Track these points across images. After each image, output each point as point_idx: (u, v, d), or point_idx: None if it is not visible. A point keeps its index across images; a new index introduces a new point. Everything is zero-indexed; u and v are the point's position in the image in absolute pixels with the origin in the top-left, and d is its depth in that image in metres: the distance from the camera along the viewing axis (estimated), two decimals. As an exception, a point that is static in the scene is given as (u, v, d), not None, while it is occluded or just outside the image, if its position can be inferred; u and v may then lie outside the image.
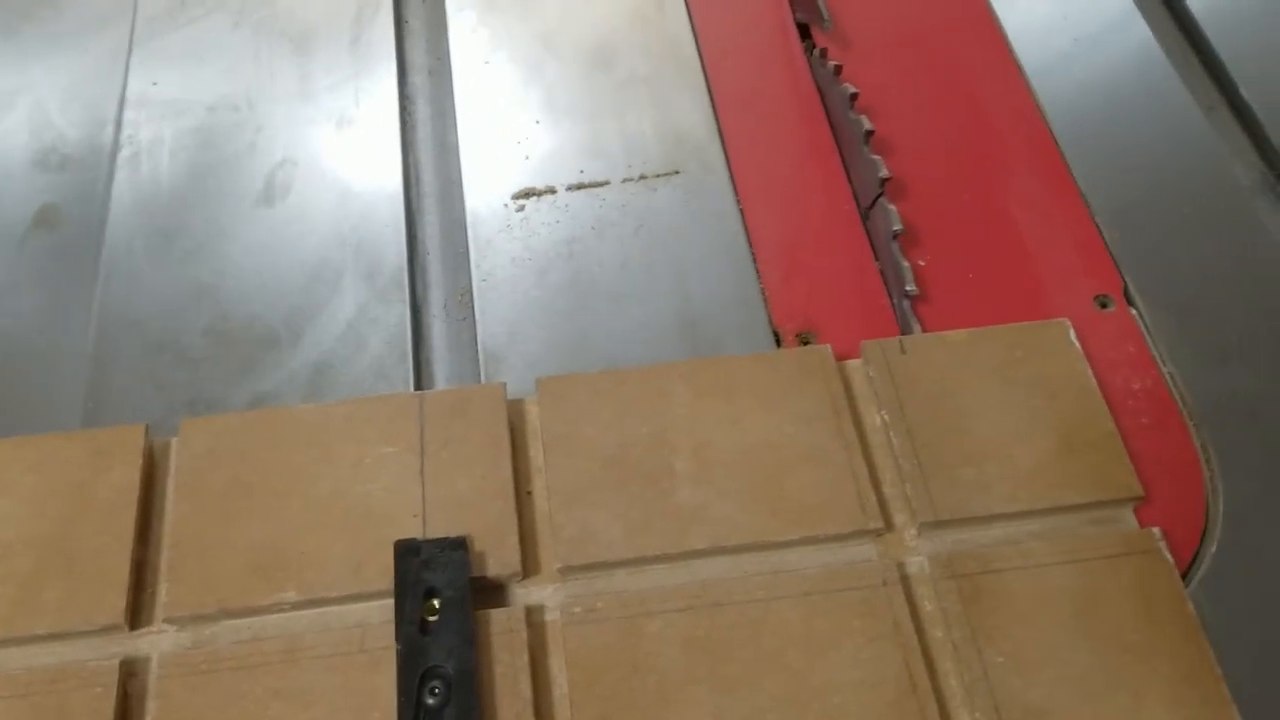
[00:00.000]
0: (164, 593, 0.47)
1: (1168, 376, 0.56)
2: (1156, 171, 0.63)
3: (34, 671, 0.46)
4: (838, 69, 0.64)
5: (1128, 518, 0.50)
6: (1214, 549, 0.51)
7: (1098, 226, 0.61)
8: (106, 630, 0.47)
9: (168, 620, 0.47)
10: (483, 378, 0.56)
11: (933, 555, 0.48)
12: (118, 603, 0.47)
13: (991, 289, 0.59)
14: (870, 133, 0.60)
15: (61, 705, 0.44)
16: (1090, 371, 0.52)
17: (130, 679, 0.46)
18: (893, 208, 0.58)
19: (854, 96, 0.62)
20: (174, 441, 0.52)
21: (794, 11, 0.71)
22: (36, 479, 0.50)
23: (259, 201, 0.63)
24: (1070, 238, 0.61)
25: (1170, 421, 0.54)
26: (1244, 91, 0.67)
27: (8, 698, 0.45)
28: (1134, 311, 0.58)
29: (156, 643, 0.47)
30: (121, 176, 0.64)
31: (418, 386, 0.57)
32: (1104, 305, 0.58)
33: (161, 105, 0.67)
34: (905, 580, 0.48)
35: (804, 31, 0.71)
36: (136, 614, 0.48)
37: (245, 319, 0.58)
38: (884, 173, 0.58)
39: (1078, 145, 0.65)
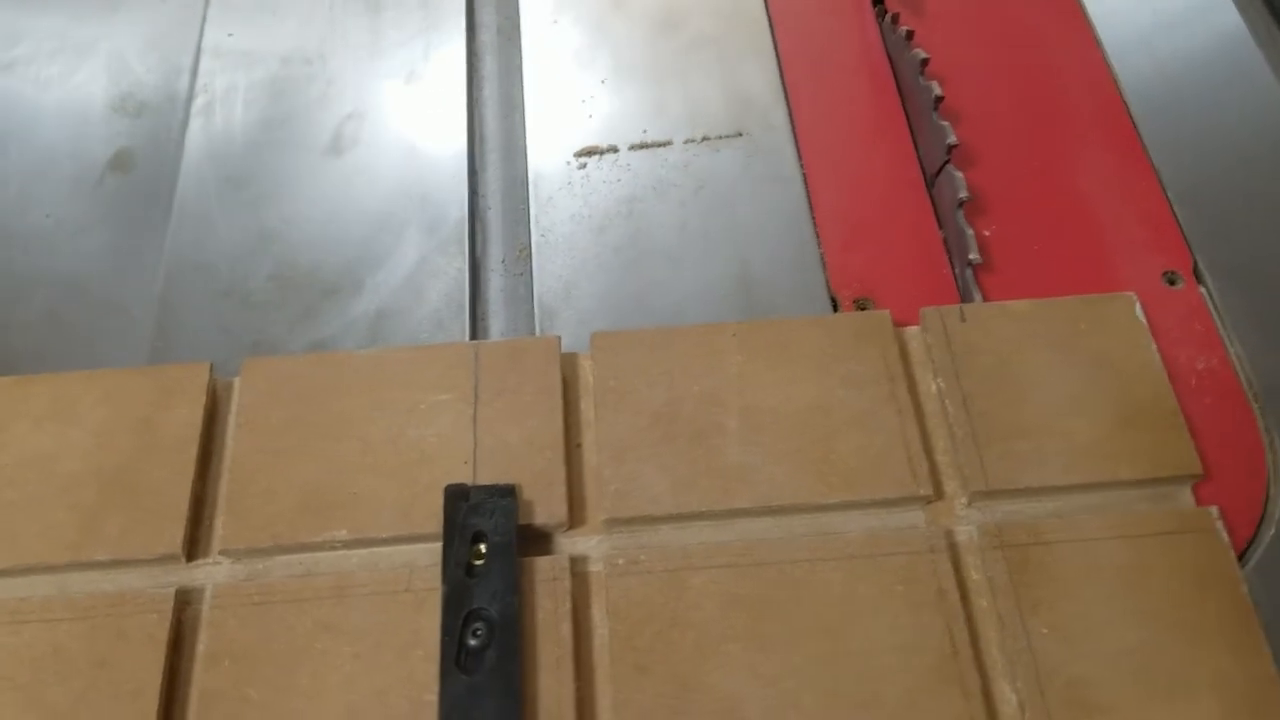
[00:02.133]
0: (220, 526, 0.49)
1: (1234, 357, 0.54)
2: (1234, 150, 0.62)
3: (94, 597, 0.47)
4: (909, 34, 0.63)
5: (1185, 496, 0.49)
6: (1273, 532, 0.50)
7: (1170, 202, 0.60)
8: (164, 560, 0.48)
9: (223, 552, 0.48)
10: (537, 331, 0.57)
11: (982, 525, 0.47)
12: (176, 534, 0.48)
13: (1057, 260, 0.58)
14: (939, 99, 0.59)
15: (119, 629, 0.46)
16: (1155, 347, 0.51)
17: (185, 608, 0.47)
18: (959, 174, 0.57)
19: (924, 62, 0.61)
20: (236, 381, 0.53)
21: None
22: (104, 412, 0.51)
23: (326, 152, 0.64)
24: (1140, 212, 0.59)
25: (1234, 402, 0.53)
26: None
27: (69, 620, 0.46)
28: (1203, 290, 0.57)
29: (212, 574, 0.49)
30: (195, 124, 0.65)
31: (473, 338, 0.57)
32: (1172, 282, 0.57)
33: (236, 56, 0.68)
34: (953, 548, 0.47)
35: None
36: (194, 546, 0.49)
37: (309, 266, 0.59)
38: (952, 139, 0.57)
39: (1154, 120, 0.63)
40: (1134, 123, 0.63)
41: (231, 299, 0.59)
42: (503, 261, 0.61)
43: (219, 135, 0.65)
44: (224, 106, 0.66)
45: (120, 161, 0.65)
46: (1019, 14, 0.68)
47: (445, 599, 0.45)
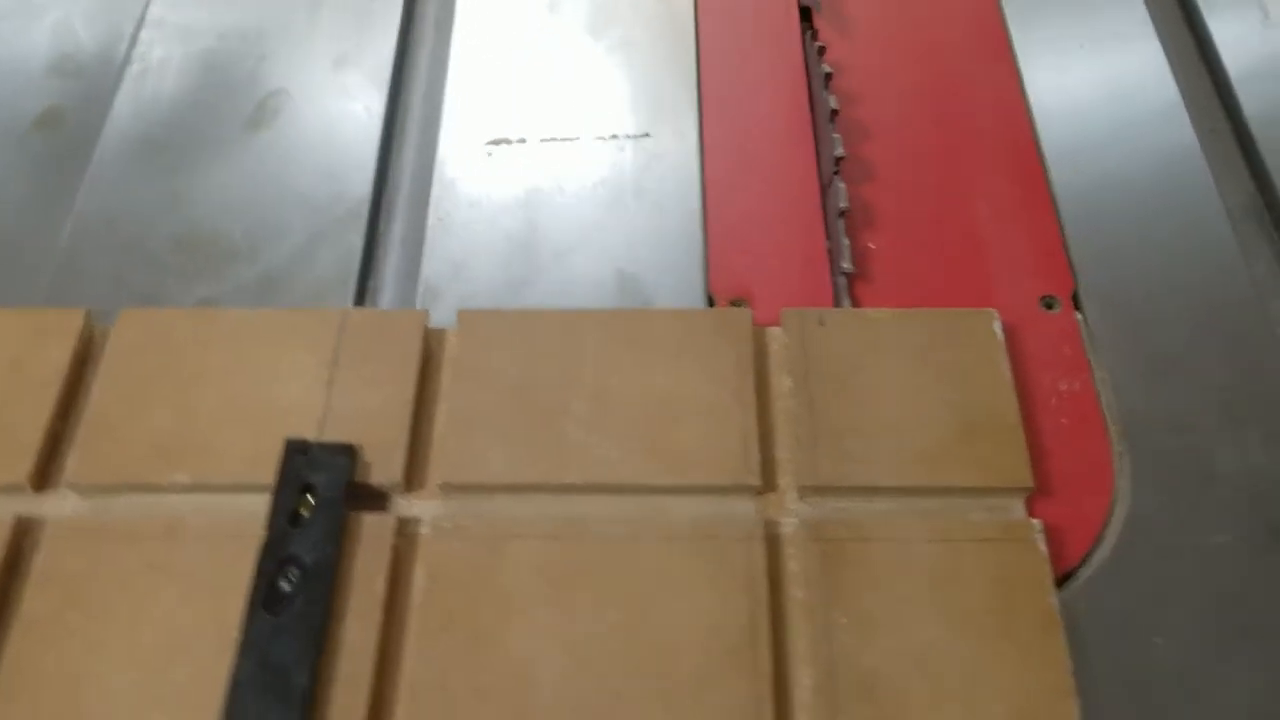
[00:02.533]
0: (70, 460, 0.50)
1: (1098, 382, 0.55)
2: (1137, 186, 0.62)
3: (-62, 518, 0.49)
4: (821, 49, 0.64)
5: (1017, 509, 0.49)
6: (1106, 554, 0.50)
7: (1063, 231, 0.60)
8: (11, 489, 0.49)
9: (69, 486, 0.49)
10: (419, 307, 0.58)
11: (804, 518, 0.48)
12: (25, 465, 0.49)
13: (937, 278, 0.59)
14: (835, 112, 0.60)
15: (-46, 549, 0.47)
16: (1007, 363, 0.52)
17: (24, 535, 0.48)
18: (843, 186, 0.58)
19: (828, 76, 0.62)
20: (112, 329, 0.54)
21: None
22: (-21, 347, 0.53)
23: (246, 126, 0.66)
24: (1030, 238, 0.60)
25: (1091, 425, 0.53)
26: (1246, 113, 0.65)
27: (-91, 536, 0.48)
28: (1079, 316, 0.57)
29: (57, 506, 0.50)
30: (126, 89, 0.68)
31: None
32: (1049, 306, 0.57)
33: (176, 29, 0.71)
34: (776, 539, 0.48)
35: (807, 16, 0.71)
36: (43, 479, 0.50)
37: (210, 231, 0.61)
38: (839, 151, 0.58)
39: (1061, 153, 0.64)
40: (1041, 156, 0.64)
41: (132, 255, 0.60)
42: (401, 241, 0.63)
43: (147, 101, 0.67)
44: (156, 75, 0.68)
45: (48, 118, 0.67)
46: (946, 47, 0.70)
47: (264, 544, 0.46)
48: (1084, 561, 0.49)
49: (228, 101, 0.67)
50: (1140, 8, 0.70)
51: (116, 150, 0.65)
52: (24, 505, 0.50)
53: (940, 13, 0.71)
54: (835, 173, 0.59)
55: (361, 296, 0.60)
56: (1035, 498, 0.50)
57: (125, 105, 0.67)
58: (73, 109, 0.67)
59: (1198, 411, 0.54)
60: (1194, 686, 0.46)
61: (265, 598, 0.45)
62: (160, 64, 0.69)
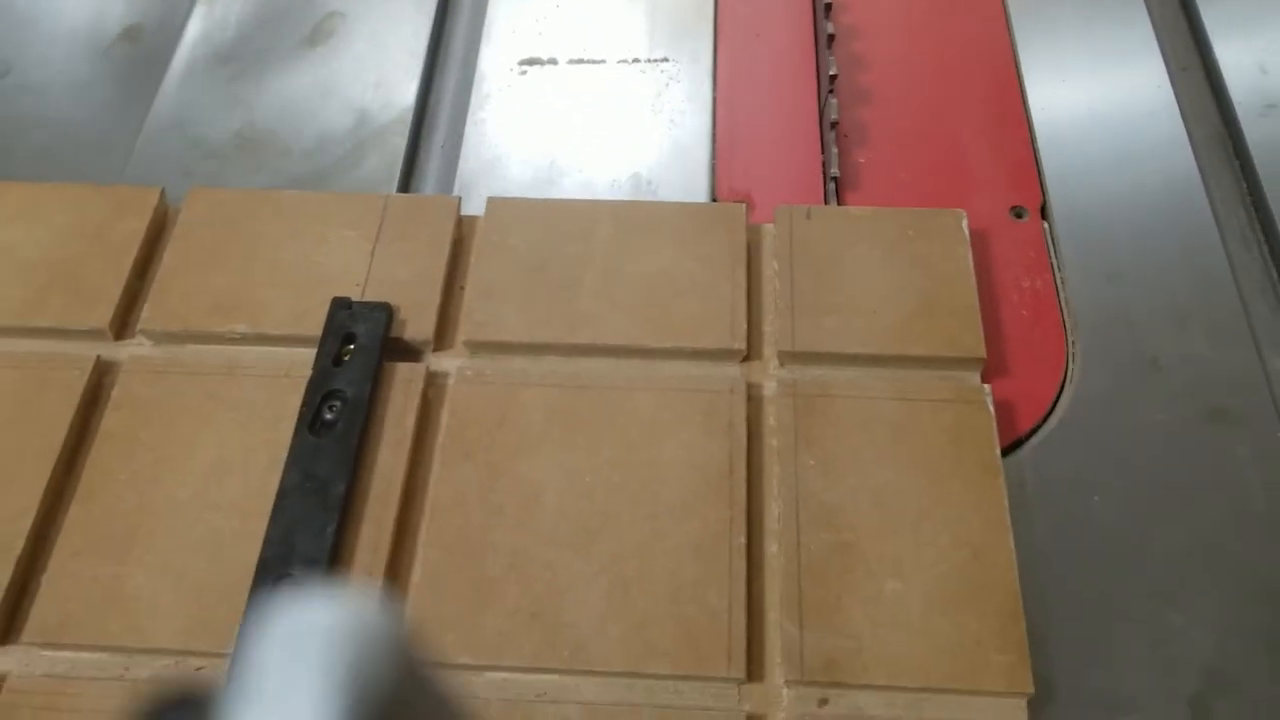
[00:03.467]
0: (144, 312, 0.57)
1: (1059, 281, 0.61)
2: (1110, 115, 0.68)
3: (32, 355, 0.56)
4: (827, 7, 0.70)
5: (972, 379, 0.55)
6: (1054, 426, 0.56)
7: (1036, 150, 0.66)
8: (94, 335, 0.57)
9: (142, 333, 0.57)
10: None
11: (784, 380, 0.54)
12: (106, 314, 0.57)
13: (918, 187, 0.65)
14: (832, 37, 0.66)
15: (43, 380, 0.55)
16: (969, 255, 0.58)
17: (105, 373, 0.56)
18: (835, 101, 0.64)
19: (829, 7, 0.68)
20: (182, 204, 0.62)
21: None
22: (67, 218, 0.61)
23: (304, 42, 0.73)
24: (1007, 157, 0.66)
25: (1047, 317, 0.59)
26: (1217, 50, 0.70)
27: (6, 368, 0.55)
28: (1045, 225, 0.63)
29: (133, 351, 0.57)
30: (199, 10, 0.75)
31: (399, 203, 0.66)
32: (1019, 215, 0.63)
33: (245, -43, 0.78)
34: (758, 398, 0.54)
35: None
36: (121, 328, 0.58)
37: (267, 130, 0.69)
38: (833, 70, 0.64)
39: (1041, 78, 0.69)
40: (1020, 81, 0.69)
41: (199, 149, 0.68)
42: (441, 146, 0.70)
43: (217, 20, 0.75)
44: (226, -2, 0.76)
45: (131, 34, 0.75)
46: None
47: (310, 380, 0.53)
48: (1034, 432, 0.55)
49: (288, 22, 0.74)
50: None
51: (189, 62, 0.72)
52: (105, 349, 0.57)
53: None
54: (830, 91, 0.65)
55: (404, 189, 0.67)
56: (994, 375, 0.56)
57: (197, 24, 0.75)
58: (151, 26, 0.75)
59: (1147, 310, 0.59)
60: (1126, 538, 0.52)
61: (310, 422, 0.52)
62: (230, -13, 0.76)
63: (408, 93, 0.70)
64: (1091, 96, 0.69)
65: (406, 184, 0.67)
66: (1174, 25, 0.73)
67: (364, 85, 0.71)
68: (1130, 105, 0.68)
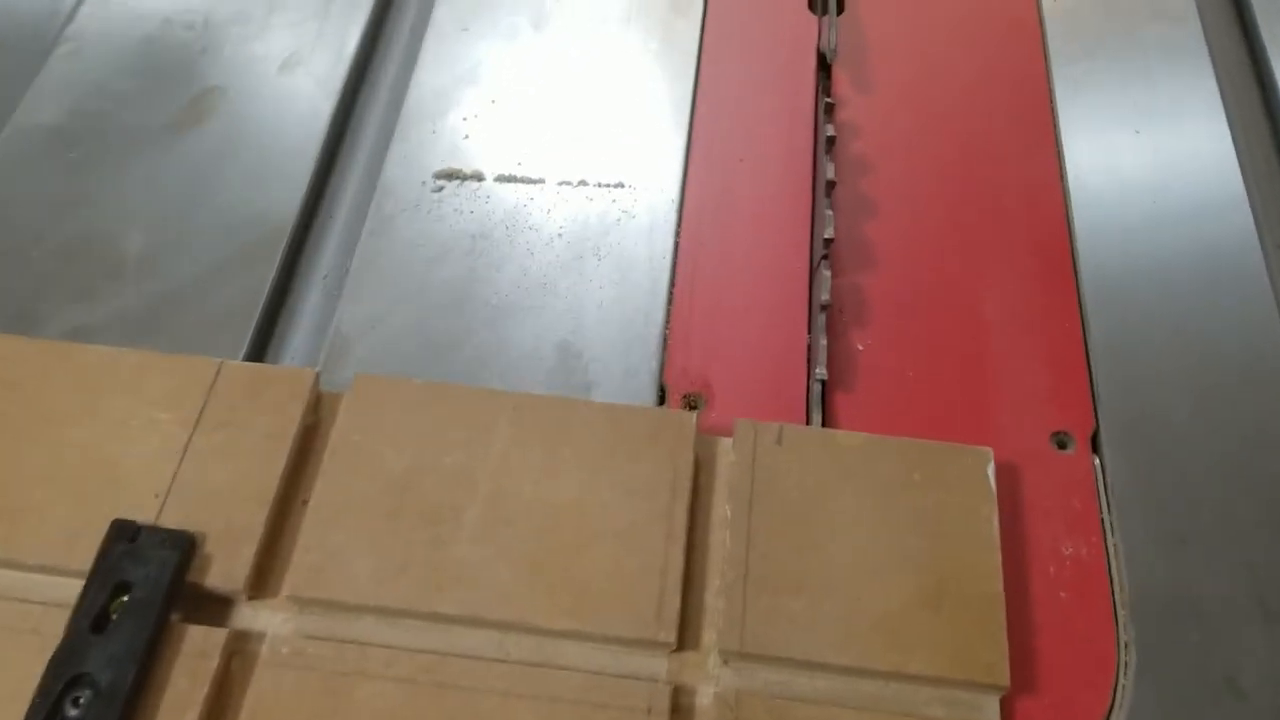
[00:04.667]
0: None
1: (1110, 549, 0.45)
2: (1186, 304, 0.52)
3: None
4: (829, 107, 0.55)
5: (989, 707, 0.39)
6: (1099, 774, 0.40)
7: (1088, 356, 0.51)
8: None
9: None
10: (321, 361, 0.50)
11: (726, 690, 0.39)
12: None
13: (930, 394, 0.49)
14: (832, 183, 0.51)
15: None
16: (995, 518, 0.42)
17: None
18: (828, 274, 0.48)
19: (832, 140, 0.53)
20: (-47, 353, 0.46)
21: (819, 37, 0.62)
22: None
23: (172, 124, 0.58)
24: (1049, 360, 0.50)
25: (1095, 602, 0.44)
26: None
27: None
28: (1096, 462, 0.47)
29: None
30: (54, 67, 0.60)
31: (254, 357, 0.50)
32: (1062, 445, 0.48)
33: (121, 7, 0.63)
34: (688, 711, 0.39)
35: (825, 65, 0.62)
36: None
37: (105, 241, 0.53)
38: (829, 233, 0.49)
39: (1097, 266, 0.54)
40: (1075, 262, 0.54)
41: (10, 260, 0.53)
42: (324, 277, 0.55)
43: (69, 85, 0.59)
44: (88, 55, 0.61)
45: (-42, 91, 0.59)
46: (980, 114, 0.60)
47: (55, 654, 0.38)
48: (1066, 781, 0.40)
49: (157, 95, 0.59)
50: (1210, 83, 0.60)
51: (22, 138, 0.57)
52: None
53: (979, 75, 0.61)
54: (824, 257, 0.50)
55: (263, 340, 0.52)
56: (1016, 690, 0.41)
57: (48, 86, 0.59)
58: (-14, 84, 0.60)
59: (1226, 598, 0.44)
60: None
61: (42, 723, 0.36)
62: (96, 42, 0.61)
63: (291, 201, 0.55)
64: (1168, 273, 0.53)
65: (269, 328, 0.52)
66: (1271, 183, 0.57)
67: (237, 187, 0.56)
68: (1218, 289, 0.53)
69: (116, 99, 0.59)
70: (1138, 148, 0.57)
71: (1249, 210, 0.55)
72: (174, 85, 0.60)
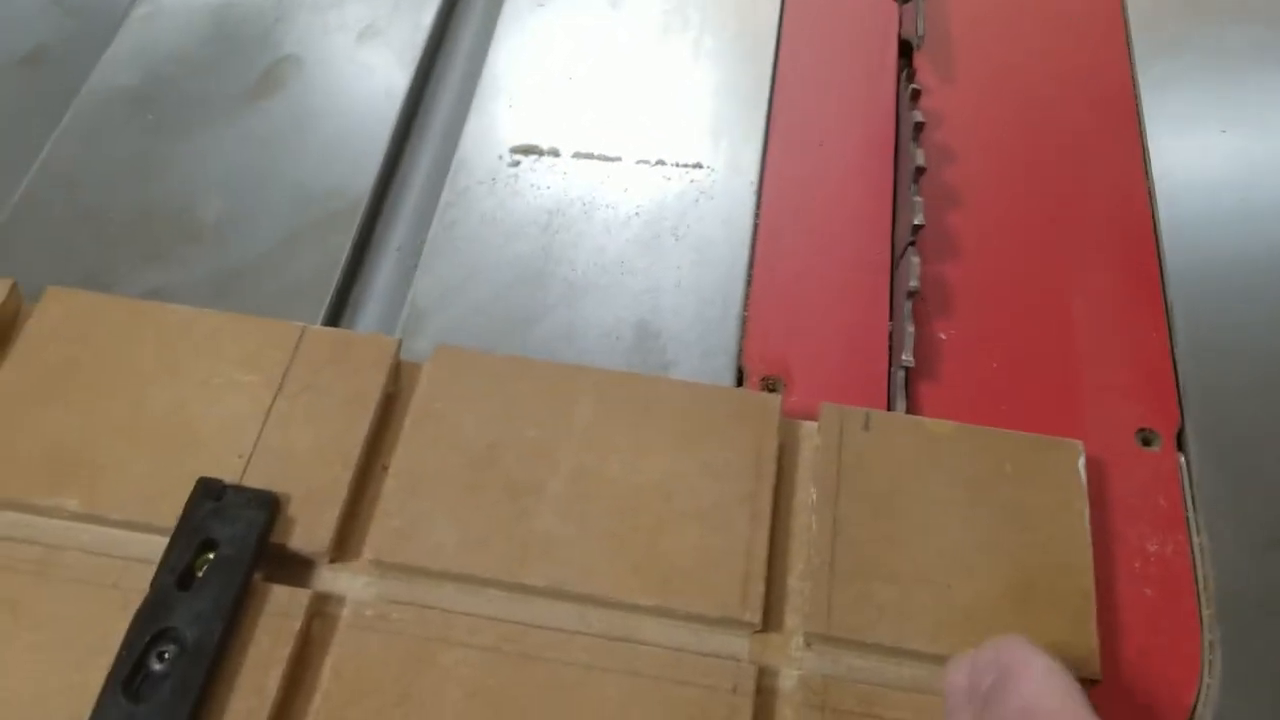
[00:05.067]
0: (-51, 462, 0.42)
1: (1196, 547, 0.44)
2: (1270, 318, 0.51)
3: None
4: (916, 93, 0.54)
5: (1077, 702, 0.39)
6: (1185, 771, 0.39)
7: (1174, 353, 0.50)
8: (-121, 486, 0.41)
9: (-59, 492, 0.41)
10: (398, 332, 0.49)
11: (810, 674, 0.38)
12: (-103, 460, 0.41)
13: (1015, 385, 0.49)
14: (921, 169, 0.50)
15: None
16: (1087, 512, 0.41)
17: (-125, 546, 0.40)
18: (916, 261, 0.48)
19: (919, 126, 0.52)
20: (36, 307, 0.46)
21: (900, 24, 0.61)
22: (-123, 307, 0.45)
23: (247, 92, 0.58)
24: (1135, 355, 0.50)
25: (1180, 603, 0.43)
26: None
27: None
28: (1182, 459, 0.47)
29: (-75, 515, 0.42)
30: (126, 33, 0.60)
31: (330, 324, 0.50)
32: (1147, 442, 0.47)
33: (196, -27, 0.63)
34: (770, 693, 0.39)
35: (906, 51, 0.61)
36: (-83, 478, 0.42)
37: (179, 206, 0.53)
38: (919, 219, 0.48)
39: (1186, 264, 0.53)
40: (1160, 258, 0.53)
41: (88, 223, 0.53)
42: (398, 249, 0.54)
43: (145, 50, 0.59)
44: (163, 21, 0.60)
45: (36, 57, 0.59)
46: (1065, 107, 0.59)
47: (141, 608, 0.37)
48: (1152, 778, 0.39)
49: (233, 62, 0.59)
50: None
51: (99, 102, 0.57)
52: (-115, 508, 0.42)
53: (1062, 66, 0.61)
54: (911, 243, 0.49)
55: (338, 310, 0.51)
56: (1098, 688, 0.40)
57: (120, 53, 0.59)
58: (64, 47, 0.60)
59: (1319, 601, 0.43)
60: None
61: (129, 676, 0.36)
62: (171, 10, 0.61)
63: (366, 173, 0.55)
64: (1251, 273, 0.52)
65: (344, 297, 0.52)
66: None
67: (312, 158, 0.55)
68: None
69: (192, 65, 0.59)
70: (1225, 145, 0.56)
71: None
72: (249, 53, 0.59)
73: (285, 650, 0.38)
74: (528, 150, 0.56)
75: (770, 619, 0.40)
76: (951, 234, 0.53)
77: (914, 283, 0.47)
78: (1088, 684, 0.39)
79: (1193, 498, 0.46)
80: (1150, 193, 0.55)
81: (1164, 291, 0.52)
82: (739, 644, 0.40)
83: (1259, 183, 0.55)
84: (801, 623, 0.40)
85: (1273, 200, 0.55)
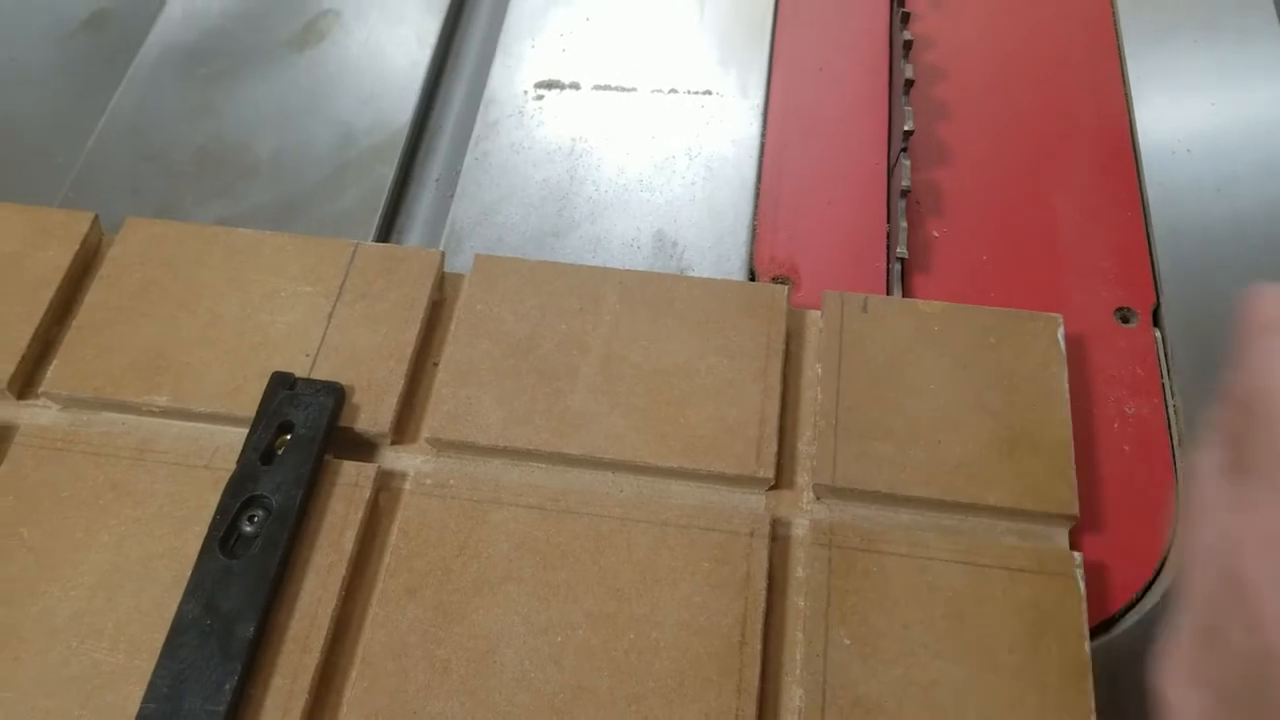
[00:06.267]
0: (52, 369, 0.47)
1: (1170, 409, 0.49)
2: (1241, 196, 0.56)
3: (-88, 413, 0.47)
4: (906, 16, 0.59)
5: (1059, 539, 0.44)
6: (1156, 600, 0.44)
7: (1150, 238, 0.54)
8: (-10, 392, 0.47)
9: (45, 394, 0.47)
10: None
11: (819, 521, 0.43)
12: (8, 367, 0.47)
13: (1003, 274, 0.53)
14: (910, 83, 0.54)
15: (-81, 447, 0.45)
16: (1065, 375, 0.46)
17: (-2, 441, 0.46)
18: (907, 163, 0.52)
19: (909, 44, 0.56)
20: (116, 237, 0.52)
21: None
22: (-18, 241, 0.51)
23: (292, 43, 0.63)
24: (1114, 242, 0.54)
25: (1156, 455, 0.48)
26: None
27: (-123, 428, 0.46)
28: (1157, 333, 0.51)
29: (35, 415, 0.48)
30: (177, -3, 0.65)
31: (378, 245, 0.55)
32: (1125, 320, 0.51)
33: (238, -62, 0.68)
34: (784, 540, 0.43)
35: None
36: (25, 385, 0.48)
37: (236, 145, 0.58)
38: (909, 125, 0.53)
39: (1160, 152, 0.57)
40: (1136, 152, 0.57)
41: (154, 164, 0.58)
42: (436, 180, 0.59)
43: (197, 9, 0.64)
44: (210, -16, 0.66)
45: (97, 21, 0.65)
46: (1047, 31, 0.63)
47: (230, 479, 0.43)
48: (1130, 606, 0.44)
49: (276, 18, 0.64)
50: (1269, 5, 0.63)
51: (158, 58, 0.62)
52: (2, 409, 0.47)
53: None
54: (903, 149, 0.54)
55: (385, 233, 0.56)
56: (1081, 530, 0.45)
57: (174, 13, 0.64)
58: (122, 12, 0.65)
59: None
60: (1238, 761, 0.41)
61: (223, 536, 0.42)
62: (216, -28, 0.66)
63: (404, 111, 0.60)
64: (1221, 170, 0.56)
65: (390, 222, 0.57)
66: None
67: (354, 99, 0.60)
68: (1272, 182, 0.56)
69: (240, 21, 0.64)
70: (1198, 54, 0.61)
71: (1304, 109, 0.58)
72: (291, 8, 0.65)
73: (358, 515, 0.43)
74: (550, 85, 0.61)
75: (782, 478, 0.45)
76: (942, 144, 0.57)
77: (906, 183, 0.52)
78: (1067, 521, 0.43)
79: (1167, 366, 0.50)
80: (1127, 96, 0.59)
81: (1141, 188, 0.56)
82: (755, 500, 0.45)
83: (1227, 83, 0.59)
84: (810, 478, 0.44)
85: (1243, 101, 0.59)
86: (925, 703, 0.39)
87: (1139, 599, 0.44)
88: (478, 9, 0.67)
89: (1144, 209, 0.55)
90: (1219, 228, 0.55)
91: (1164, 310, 0.52)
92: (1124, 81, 0.60)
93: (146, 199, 0.56)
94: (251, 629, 0.39)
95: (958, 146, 0.58)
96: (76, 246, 0.51)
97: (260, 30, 0.63)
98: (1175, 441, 0.48)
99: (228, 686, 0.38)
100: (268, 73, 0.62)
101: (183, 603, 0.40)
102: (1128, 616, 0.44)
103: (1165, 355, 0.50)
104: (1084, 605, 0.41)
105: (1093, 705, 0.39)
